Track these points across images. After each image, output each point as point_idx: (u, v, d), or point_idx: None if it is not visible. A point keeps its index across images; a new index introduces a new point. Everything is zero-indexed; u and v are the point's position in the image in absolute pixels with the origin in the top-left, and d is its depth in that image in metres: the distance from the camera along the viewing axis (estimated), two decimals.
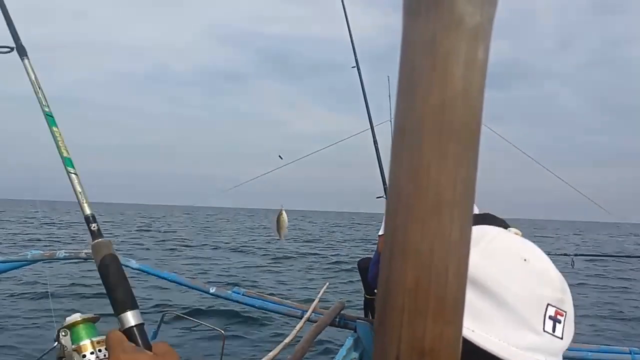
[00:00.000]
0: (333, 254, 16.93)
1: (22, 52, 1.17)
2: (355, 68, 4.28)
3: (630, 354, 2.46)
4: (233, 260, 14.21)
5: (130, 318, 0.68)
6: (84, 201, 0.87)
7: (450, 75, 0.22)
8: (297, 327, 2.29)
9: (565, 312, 0.59)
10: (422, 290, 0.23)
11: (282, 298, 3.06)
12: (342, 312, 2.68)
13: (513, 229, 0.68)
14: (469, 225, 0.23)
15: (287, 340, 2.08)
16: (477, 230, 0.62)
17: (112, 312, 0.69)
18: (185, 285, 3.12)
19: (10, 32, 1.19)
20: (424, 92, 0.23)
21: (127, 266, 3.06)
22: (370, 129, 4.19)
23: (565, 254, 6.13)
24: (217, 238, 22.96)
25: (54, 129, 1.00)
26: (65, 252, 3.11)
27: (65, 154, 0.95)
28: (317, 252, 17.47)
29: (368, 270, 3.64)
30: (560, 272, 0.62)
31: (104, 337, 0.69)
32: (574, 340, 0.61)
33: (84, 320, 0.74)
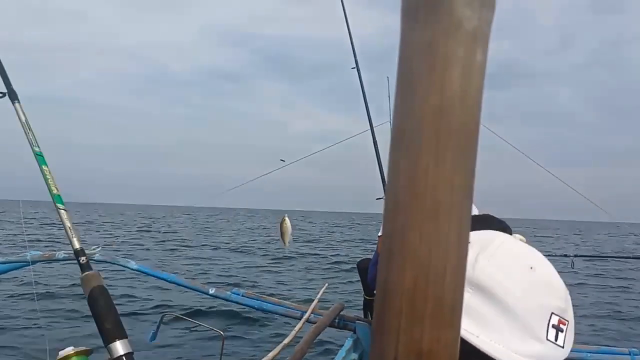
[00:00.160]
0: (333, 254, 16.93)
1: (13, 97, 1.23)
2: (355, 69, 4.28)
3: (630, 355, 2.45)
4: (233, 260, 14.21)
5: (119, 347, 0.69)
6: (73, 235, 0.91)
7: (449, 79, 0.22)
8: (296, 328, 2.28)
9: (568, 321, 0.60)
10: (420, 293, 0.23)
11: (282, 298, 3.06)
12: (341, 313, 2.68)
13: (518, 235, 0.69)
14: (466, 228, 0.23)
15: (285, 341, 2.07)
16: (486, 235, 0.63)
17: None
18: (184, 286, 3.11)
19: (2, 78, 1.24)
20: (422, 96, 0.23)
21: (126, 267, 3.06)
22: (370, 130, 4.19)
23: (565, 255, 6.14)
24: (217, 238, 22.96)
25: (44, 167, 1.04)
26: (64, 253, 3.11)
27: (55, 192, 0.98)
28: (317, 252, 17.47)
29: (367, 271, 3.64)
30: (560, 272, 0.62)
31: None
32: (573, 341, 0.61)
33: (77, 354, 0.75)
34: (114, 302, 1.00)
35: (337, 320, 2.66)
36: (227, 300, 2.96)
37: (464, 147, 0.23)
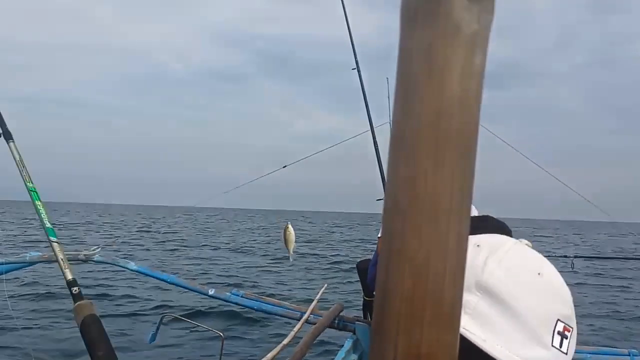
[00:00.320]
0: (333, 254, 16.92)
1: (8, 137, 1.28)
2: (356, 70, 4.28)
3: (629, 355, 2.45)
4: (233, 260, 14.21)
5: None
6: (66, 267, 0.94)
7: (447, 83, 0.22)
8: (295, 329, 2.28)
9: (572, 328, 0.60)
10: (419, 296, 0.23)
11: (282, 299, 3.06)
12: (341, 313, 2.68)
13: (524, 241, 0.69)
14: (466, 232, 0.23)
15: (285, 341, 2.07)
16: (494, 239, 0.64)
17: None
18: (183, 287, 3.11)
19: None
20: (421, 99, 0.23)
21: (126, 268, 3.06)
22: (370, 130, 4.19)
23: (565, 256, 6.13)
24: (217, 239, 22.95)
25: (37, 203, 1.09)
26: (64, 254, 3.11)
27: (47, 225, 1.02)
28: (317, 252, 17.46)
29: (367, 272, 3.64)
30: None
31: None
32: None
33: None
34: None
35: (336, 321, 2.66)
36: (226, 301, 2.96)
37: (463, 150, 0.23)
